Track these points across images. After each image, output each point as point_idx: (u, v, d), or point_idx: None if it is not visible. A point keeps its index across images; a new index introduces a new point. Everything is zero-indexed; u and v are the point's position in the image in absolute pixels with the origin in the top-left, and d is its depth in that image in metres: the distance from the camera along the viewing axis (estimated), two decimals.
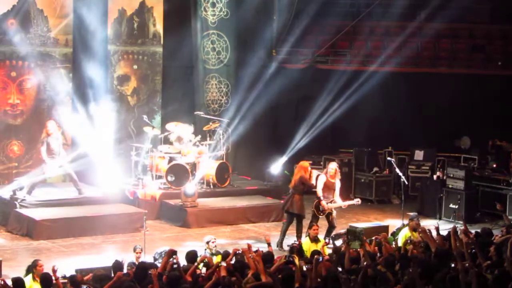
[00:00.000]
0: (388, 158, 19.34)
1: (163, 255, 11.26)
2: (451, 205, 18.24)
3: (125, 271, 10.51)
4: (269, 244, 12.03)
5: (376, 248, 11.98)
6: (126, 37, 19.68)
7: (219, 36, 20.81)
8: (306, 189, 15.50)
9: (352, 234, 14.10)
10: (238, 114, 20.22)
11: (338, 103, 20.45)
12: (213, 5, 20.64)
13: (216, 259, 11.62)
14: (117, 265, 10.53)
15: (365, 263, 9.95)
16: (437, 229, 12.30)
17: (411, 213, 15.26)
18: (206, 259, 10.82)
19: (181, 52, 20.43)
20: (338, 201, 15.57)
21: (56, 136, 17.12)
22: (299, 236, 15.20)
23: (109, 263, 10.96)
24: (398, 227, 15.11)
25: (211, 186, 18.58)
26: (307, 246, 13.41)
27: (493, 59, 22.27)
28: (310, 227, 14.01)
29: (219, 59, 20.88)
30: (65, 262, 13.19)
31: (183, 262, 10.82)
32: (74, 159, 17.30)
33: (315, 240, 13.70)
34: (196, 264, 10.58)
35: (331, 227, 15.52)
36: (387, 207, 19.86)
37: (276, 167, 19.42)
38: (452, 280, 9.03)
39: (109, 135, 18.85)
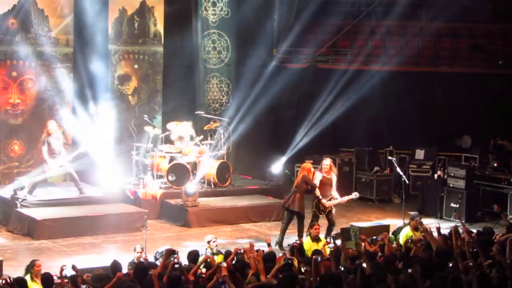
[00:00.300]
0: (389, 157, 19.31)
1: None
2: (452, 204, 18.23)
3: (125, 271, 10.50)
4: (269, 245, 12.02)
5: (378, 247, 11.96)
6: (127, 37, 19.69)
7: (219, 36, 20.81)
8: (309, 188, 15.48)
9: (346, 233, 14.09)
10: (238, 113, 20.24)
11: (339, 102, 20.47)
12: (214, 4, 20.65)
13: (217, 259, 11.62)
14: (115, 265, 10.51)
15: (361, 263, 9.93)
16: (438, 229, 12.29)
17: (412, 212, 15.24)
18: (208, 259, 10.81)
19: (182, 52, 20.44)
20: (337, 197, 15.55)
21: (57, 136, 17.13)
22: (300, 236, 15.20)
23: (109, 263, 10.94)
24: (399, 227, 15.10)
25: (212, 186, 18.58)
26: (308, 245, 13.41)
27: (494, 59, 22.29)
28: (311, 227, 14.00)
29: (219, 58, 20.88)
30: (66, 262, 13.10)
31: (184, 261, 10.81)
32: (75, 159, 17.28)
33: (316, 239, 13.69)
34: (198, 264, 10.57)
35: (331, 225, 15.52)
36: (388, 206, 19.86)
37: (277, 166, 19.42)
38: (454, 280, 9.03)
39: (109, 135, 18.88)
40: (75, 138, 18.49)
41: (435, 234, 11.91)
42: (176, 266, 9.88)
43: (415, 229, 13.68)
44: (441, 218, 18.19)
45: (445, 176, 18.74)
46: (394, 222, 16.60)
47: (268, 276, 9.72)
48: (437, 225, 12.82)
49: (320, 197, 15.40)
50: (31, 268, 10.77)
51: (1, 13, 18.12)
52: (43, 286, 10.15)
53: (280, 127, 21.68)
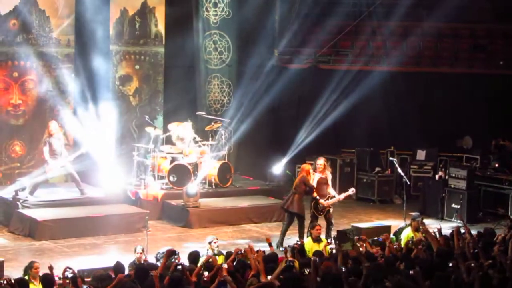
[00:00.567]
0: (390, 158, 19.34)
1: None
2: (453, 205, 18.23)
3: (126, 272, 10.50)
4: (270, 245, 12.03)
5: (379, 248, 11.97)
6: (128, 37, 19.70)
7: (221, 36, 20.82)
8: (307, 189, 15.49)
9: (342, 235, 14.11)
10: (240, 114, 20.24)
11: (340, 103, 20.46)
12: (215, 5, 20.65)
13: (218, 260, 11.62)
14: (118, 266, 10.51)
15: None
16: (440, 230, 12.29)
17: (413, 213, 15.27)
18: (210, 259, 10.82)
19: (183, 52, 20.45)
20: (334, 194, 15.56)
21: (58, 137, 17.14)
22: (301, 237, 15.19)
23: (111, 263, 10.94)
24: (401, 227, 15.10)
25: (213, 186, 18.59)
26: (309, 246, 13.41)
27: (495, 59, 22.28)
28: (312, 227, 14.00)
29: (221, 59, 20.89)
30: (67, 263, 13.14)
31: (184, 262, 10.81)
32: (76, 159, 17.29)
33: (317, 240, 13.70)
34: (200, 265, 10.57)
35: (329, 224, 15.53)
36: (389, 207, 19.86)
37: (278, 167, 19.43)
38: (456, 280, 9.03)
39: (111, 135, 18.87)
40: (76, 139, 18.49)
41: (437, 236, 11.90)
42: (178, 267, 9.89)
43: (416, 230, 13.68)
44: (442, 218, 18.19)
45: (446, 177, 18.75)
46: (395, 223, 16.59)
47: (270, 278, 9.72)
48: (438, 227, 12.82)
49: (318, 197, 15.41)
50: (29, 269, 10.79)
51: (2, 14, 18.13)
52: (43, 287, 10.15)
53: (281, 127, 21.68)
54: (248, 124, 20.16)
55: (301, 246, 12.43)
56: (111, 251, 14.89)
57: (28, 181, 16.92)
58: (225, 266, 9.83)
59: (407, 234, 13.90)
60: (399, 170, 17.91)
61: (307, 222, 15.23)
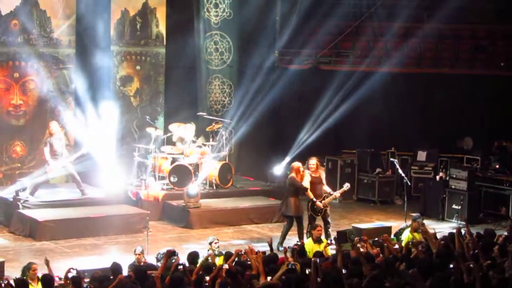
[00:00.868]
0: (391, 159, 19.32)
1: None
2: (454, 206, 18.22)
3: (125, 273, 10.49)
4: (270, 245, 12.02)
5: (379, 249, 11.96)
6: (129, 38, 19.71)
7: (222, 37, 20.83)
8: (298, 190, 15.46)
9: (342, 236, 14.10)
10: (241, 114, 20.24)
11: (341, 103, 20.46)
12: (216, 6, 20.67)
13: (219, 260, 11.63)
14: (115, 267, 10.51)
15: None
16: (434, 235, 12.24)
17: (414, 214, 15.25)
18: (209, 257, 10.80)
19: (184, 53, 20.45)
20: (330, 191, 15.55)
21: (59, 137, 17.15)
22: (301, 238, 15.19)
23: (111, 264, 10.94)
24: (401, 228, 15.11)
25: (214, 187, 18.59)
26: (310, 246, 13.42)
27: (496, 60, 22.25)
28: (313, 228, 14.01)
29: (222, 59, 20.90)
30: (67, 263, 13.16)
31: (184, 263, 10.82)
32: (77, 160, 17.29)
33: (318, 241, 13.70)
34: (200, 264, 10.57)
35: (326, 223, 15.51)
36: (390, 208, 19.85)
37: (279, 168, 19.41)
38: (455, 281, 9.03)
39: (111, 136, 18.87)
40: (77, 139, 18.51)
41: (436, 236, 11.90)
42: (180, 267, 9.90)
43: (416, 230, 13.68)
44: (442, 219, 18.20)
45: (447, 178, 18.74)
46: (396, 224, 16.58)
47: (271, 279, 9.72)
48: (433, 231, 12.74)
49: (314, 199, 15.40)
50: (27, 270, 10.79)
51: (3, 14, 18.15)
52: (42, 287, 10.15)
53: (282, 128, 21.67)
54: (249, 125, 20.16)
55: (301, 247, 12.44)
56: (111, 252, 14.89)
57: (28, 182, 16.92)
58: (226, 266, 9.83)
59: (407, 235, 13.90)
60: (400, 171, 17.91)
61: (306, 223, 15.21)
